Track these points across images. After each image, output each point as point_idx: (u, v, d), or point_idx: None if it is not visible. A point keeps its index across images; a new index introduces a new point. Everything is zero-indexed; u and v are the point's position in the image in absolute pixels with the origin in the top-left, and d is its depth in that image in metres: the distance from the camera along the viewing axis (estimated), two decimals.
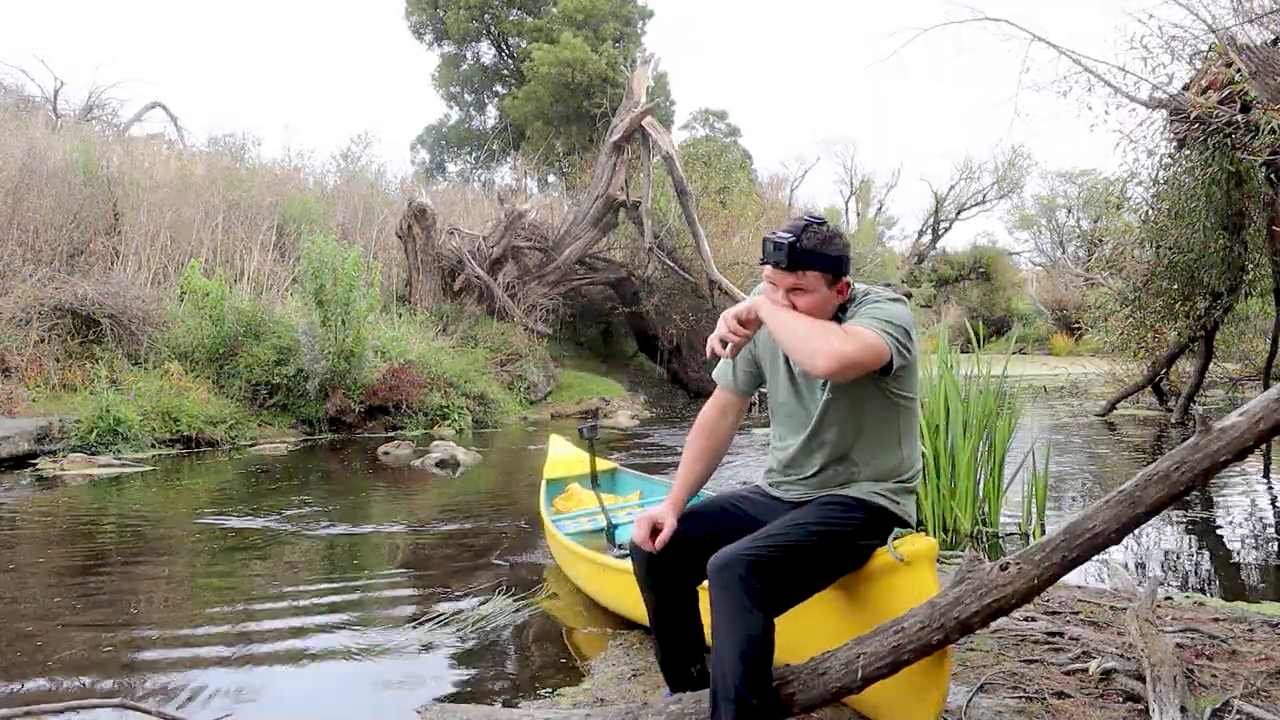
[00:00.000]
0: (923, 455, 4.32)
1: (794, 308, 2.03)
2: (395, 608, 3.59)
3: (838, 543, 2.05)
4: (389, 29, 66.93)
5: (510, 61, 26.31)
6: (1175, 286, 9.08)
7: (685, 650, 2.23)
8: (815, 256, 2.00)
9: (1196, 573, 4.03)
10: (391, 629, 3.29)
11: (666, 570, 2.16)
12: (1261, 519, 5.16)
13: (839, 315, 2.10)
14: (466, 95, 27.74)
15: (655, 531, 2.12)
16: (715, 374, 2.38)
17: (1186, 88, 7.94)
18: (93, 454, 7.90)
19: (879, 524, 2.13)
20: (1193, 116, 7.65)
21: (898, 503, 2.15)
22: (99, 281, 10.05)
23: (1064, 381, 15.55)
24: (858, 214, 35.87)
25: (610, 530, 3.58)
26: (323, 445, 9.51)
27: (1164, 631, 2.56)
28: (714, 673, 1.89)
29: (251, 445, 9.15)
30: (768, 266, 2.04)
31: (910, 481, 2.19)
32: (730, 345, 2.10)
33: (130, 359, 9.64)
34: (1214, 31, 7.49)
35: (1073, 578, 2.57)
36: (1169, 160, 8.67)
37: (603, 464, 4.42)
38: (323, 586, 3.97)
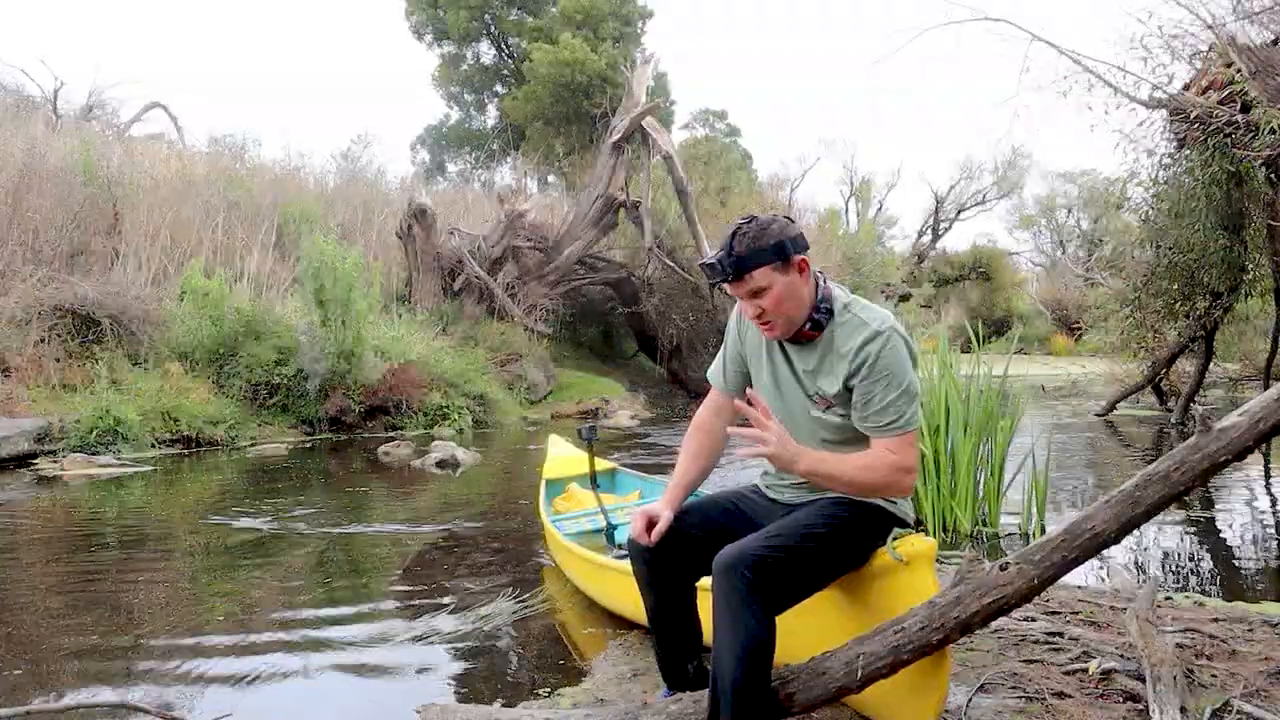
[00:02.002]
0: (922, 455, 4.36)
1: (763, 311, 2.02)
2: (395, 608, 3.59)
3: (841, 543, 2.05)
4: (389, 29, 67.10)
5: (510, 61, 26.32)
6: (1175, 286, 9.08)
7: (683, 648, 2.23)
8: (753, 254, 1.98)
9: (1196, 573, 4.03)
10: (391, 629, 3.28)
11: (664, 567, 2.16)
12: (1261, 519, 5.16)
13: (816, 317, 2.05)
14: (466, 95, 27.76)
15: (652, 526, 2.11)
16: (709, 374, 2.39)
17: (1186, 88, 7.93)
18: (93, 454, 7.90)
19: (879, 524, 2.13)
20: (1193, 116, 7.65)
21: (895, 503, 2.15)
22: (99, 281, 10.05)
23: (1064, 381, 15.55)
24: (858, 214, 35.86)
25: (609, 530, 3.57)
26: (323, 445, 9.51)
27: (1164, 631, 2.56)
28: (714, 671, 1.89)
29: (251, 445, 9.15)
30: (724, 287, 2.03)
31: None
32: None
33: (130, 359, 9.64)
34: (1212, 29, 7.48)
35: (1073, 578, 2.57)
36: (1169, 160, 8.66)
37: (602, 464, 4.41)
38: (322, 586, 3.98)
